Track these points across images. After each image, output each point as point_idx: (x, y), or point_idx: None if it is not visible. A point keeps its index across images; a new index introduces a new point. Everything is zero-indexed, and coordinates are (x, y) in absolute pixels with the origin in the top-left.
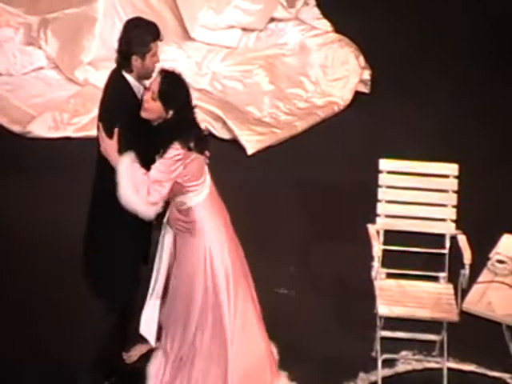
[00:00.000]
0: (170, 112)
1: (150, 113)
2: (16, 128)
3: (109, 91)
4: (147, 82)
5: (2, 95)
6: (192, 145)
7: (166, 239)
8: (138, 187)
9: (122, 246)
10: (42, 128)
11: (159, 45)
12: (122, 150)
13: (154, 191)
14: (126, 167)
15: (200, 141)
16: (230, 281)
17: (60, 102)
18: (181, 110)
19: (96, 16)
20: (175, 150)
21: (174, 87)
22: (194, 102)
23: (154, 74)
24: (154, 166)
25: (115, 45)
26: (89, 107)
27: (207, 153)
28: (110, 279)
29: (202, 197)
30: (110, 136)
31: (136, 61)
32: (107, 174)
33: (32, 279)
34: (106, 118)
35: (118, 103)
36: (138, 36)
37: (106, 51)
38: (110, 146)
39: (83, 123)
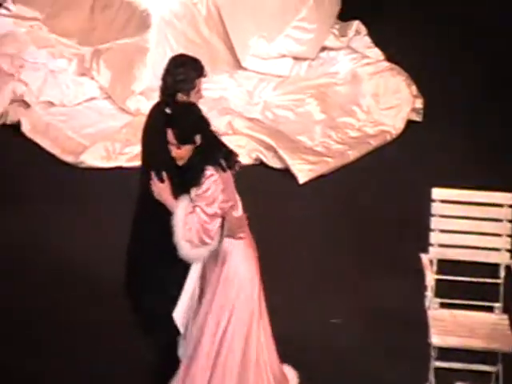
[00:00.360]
0: (197, 138)
1: (184, 159)
2: (69, 158)
3: (154, 133)
4: None
5: (56, 125)
6: (223, 163)
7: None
8: (191, 238)
9: (167, 276)
10: (94, 158)
11: (203, 80)
12: (174, 191)
13: (208, 232)
14: (182, 215)
15: (228, 156)
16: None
17: (112, 131)
18: (204, 133)
19: (148, 46)
20: (210, 179)
21: (185, 123)
22: (243, 129)
23: None
24: (198, 209)
25: None
26: (140, 137)
27: (236, 167)
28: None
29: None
30: (161, 180)
31: (181, 98)
32: (152, 208)
33: (82, 305)
34: (154, 161)
35: (165, 145)
36: (184, 74)
37: (158, 81)
38: (163, 190)
39: (135, 153)
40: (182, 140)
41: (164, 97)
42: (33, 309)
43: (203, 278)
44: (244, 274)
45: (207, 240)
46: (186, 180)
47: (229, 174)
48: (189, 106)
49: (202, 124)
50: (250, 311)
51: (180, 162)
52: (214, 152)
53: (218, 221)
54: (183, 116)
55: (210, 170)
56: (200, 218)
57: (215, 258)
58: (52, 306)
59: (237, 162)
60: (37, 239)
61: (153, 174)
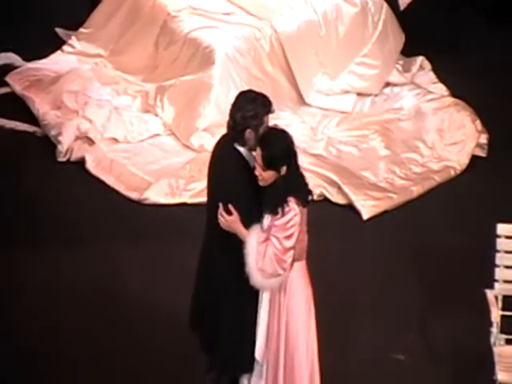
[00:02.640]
0: (283, 168)
1: (267, 181)
2: (133, 195)
3: (223, 166)
4: None
5: (120, 162)
6: (304, 198)
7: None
8: (264, 267)
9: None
10: (158, 194)
11: (271, 116)
12: (245, 222)
13: (282, 263)
14: (255, 244)
15: (308, 192)
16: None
17: (176, 168)
18: (291, 165)
19: (212, 83)
20: (292, 211)
21: (275, 150)
22: (307, 165)
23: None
24: (275, 239)
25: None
26: (204, 173)
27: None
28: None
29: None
30: (229, 212)
31: (250, 134)
32: (219, 241)
33: (146, 341)
34: (224, 194)
35: (235, 178)
36: (253, 110)
37: (222, 117)
38: (233, 223)
39: (199, 189)
40: (267, 165)
41: (232, 132)
42: (95, 345)
43: None
44: (304, 299)
45: (280, 271)
46: (263, 205)
47: (304, 211)
48: (282, 133)
49: (291, 155)
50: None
51: (262, 183)
52: (299, 185)
53: (292, 253)
54: (274, 142)
55: (292, 202)
56: (276, 248)
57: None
58: (113, 341)
59: (313, 200)
60: (101, 276)
61: (220, 206)
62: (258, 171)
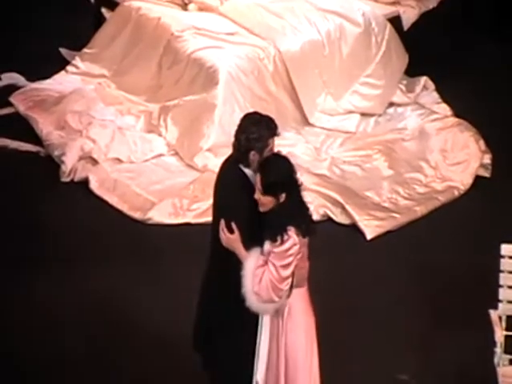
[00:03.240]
0: (283, 196)
1: (266, 207)
2: (137, 215)
3: (227, 185)
4: None
5: (123, 182)
6: (304, 228)
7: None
8: (259, 291)
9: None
10: (162, 215)
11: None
12: (245, 242)
13: (278, 291)
14: (253, 267)
15: (309, 222)
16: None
17: (180, 188)
18: (291, 192)
19: (215, 103)
20: (291, 240)
21: (275, 176)
22: (311, 185)
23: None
24: (272, 266)
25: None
26: (208, 193)
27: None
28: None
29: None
30: (231, 230)
31: (254, 155)
32: (223, 262)
33: (149, 363)
34: (227, 213)
35: (238, 198)
36: (257, 132)
37: (226, 137)
38: (233, 242)
39: (203, 209)
40: (266, 190)
41: (237, 153)
42: (97, 365)
43: None
44: (304, 326)
45: (275, 298)
46: (262, 231)
47: (305, 241)
48: (284, 160)
49: (291, 183)
50: (313, 364)
51: (261, 208)
52: (300, 215)
53: (290, 281)
54: (274, 168)
55: (292, 232)
56: (272, 275)
57: (277, 309)
58: (117, 362)
59: (315, 230)
60: (104, 296)
61: (222, 224)
62: (258, 195)
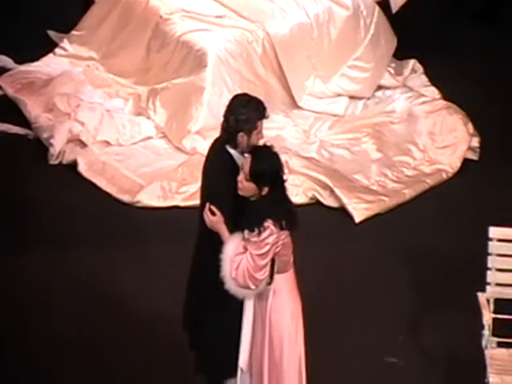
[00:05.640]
0: (265, 189)
1: (245, 191)
2: (125, 197)
3: (213, 166)
4: None
5: (112, 165)
6: (284, 223)
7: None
8: (236, 277)
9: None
10: (150, 197)
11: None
12: (229, 225)
13: (254, 280)
14: (232, 251)
15: (291, 217)
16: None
17: (168, 171)
18: (274, 188)
19: (204, 85)
20: (268, 231)
21: (265, 167)
22: (299, 168)
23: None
24: (249, 255)
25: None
26: (197, 176)
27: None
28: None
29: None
30: (213, 213)
31: (242, 137)
32: (208, 246)
33: (136, 344)
34: (212, 194)
35: (223, 179)
36: (246, 114)
37: (214, 120)
38: (216, 223)
39: (191, 192)
40: (255, 178)
41: (225, 135)
42: (84, 347)
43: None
44: (289, 309)
45: (251, 286)
46: (243, 220)
47: (286, 232)
48: (275, 156)
49: (276, 179)
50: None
51: (240, 192)
52: (279, 210)
53: (267, 271)
54: (266, 159)
55: (268, 223)
56: (249, 263)
57: (261, 293)
58: (104, 344)
59: (296, 224)
60: (92, 279)
61: (207, 205)
62: (241, 177)
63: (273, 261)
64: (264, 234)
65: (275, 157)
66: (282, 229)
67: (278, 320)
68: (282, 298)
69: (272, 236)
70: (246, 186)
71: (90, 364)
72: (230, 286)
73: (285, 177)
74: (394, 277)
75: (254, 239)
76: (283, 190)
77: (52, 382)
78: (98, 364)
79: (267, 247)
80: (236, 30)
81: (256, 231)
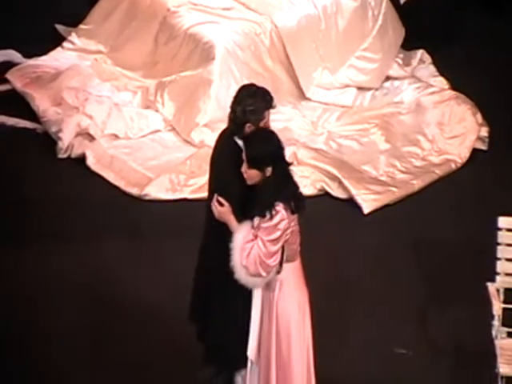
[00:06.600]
0: (268, 170)
1: (251, 179)
2: (133, 190)
3: (221, 157)
4: None
5: (120, 158)
6: (293, 204)
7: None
8: (247, 265)
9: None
10: (158, 190)
11: (272, 111)
12: (237, 215)
13: (265, 266)
14: (241, 240)
15: (298, 199)
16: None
17: (177, 163)
18: (277, 167)
19: (212, 78)
20: (280, 215)
21: (260, 150)
22: (308, 160)
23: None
24: (260, 241)
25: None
26: (205, 169)
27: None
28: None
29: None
30: (221, 204)
31: (249, 128)
32: (218, 235)
33: (146, 336)
34: (219, 185)
35: (230, 170)
36: (253, 104)
37: (222, 113)
38: (224, 214)
39: (200, 185)
40: (250, 163)
41: (232, 125)
42: (95, 341)
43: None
44: (296, 299)
45: (263, 273)
46: (252, 206)
47: (295, 217)
48: (269, 134)
49: (276, 158)
50: (305, 338)
51: (248, 181)
52: (287, 190)
53: (278, 258)
54: (259, 142)
55: (279, 207)
56: (261, 250)
57: (268, 283)
58: (115, 337)
59: (304, 207)
60: (101, 271)
61: (215, 196)
62: (244, 168)
63: (282, 248)
64: (276, 219)
65: (269, 136)
66: (292, 212)
67: (285, 310)
68: (289, 288)
69: (283, 221)
70: (250, 174)
71: (90, 361)
72: (241, 275)
73: (286, 154)
74: (402, 267)
75: (266, 225)
76: (286, 167)
77: (52, 380)
78: (99, 361)
79: (279, 232)
80: (244, 22)
81: (268, 216)
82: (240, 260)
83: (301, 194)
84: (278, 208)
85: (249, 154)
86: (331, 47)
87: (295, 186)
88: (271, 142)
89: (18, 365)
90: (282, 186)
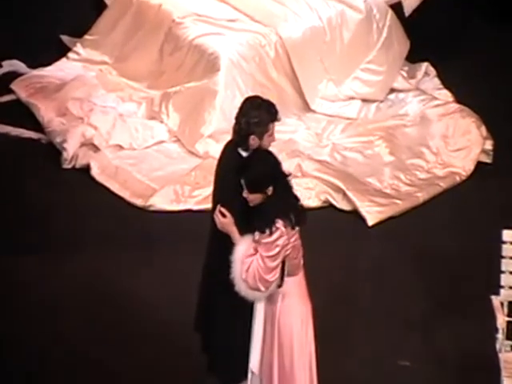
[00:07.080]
0: (269, 189)
1: (255, 202)
2: (138, 201)
3: (225, 169)
4: None
5: (125, 169)
6: (293, 219)
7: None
8: (247, 279)
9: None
10: (163, 201)
11: (276, 124)
12: (240, 227)
13: (264, 282)
14: (242, 254)
15: (299, 212)
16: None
17: (181, 175)
18: (278, 184)
19: (217, 89)
20: (279, 232)
21: (256, 174)
22: (312, 172)
23: None
24: (259, 256)
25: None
26: (210, 180)
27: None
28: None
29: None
30: (223, 215)
31: (253, 140)
32: (220, 250)
33: (149, 345)
34: (223, 196)
35: (234, 182)
36: (258, 117)
37: (227, 124)
38: (227, 225)
39: (204, 196)
40: (251, 190)
41: (237, 137)
42: (98, 350)
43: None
44: (299, 312)
45: (262, 288)
46: (254, 221)
47: (295, 232)
48: (264, 155)
49: (275, 176)
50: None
51: (252, 204)
52: (289, 207)
53: (277, 274)
54: (254, 167)
55: (279, 224)
56: (259, 265)
57: (270, 296)
58: (118, 347)
59: (305, 220)
60: (105, 283)
61: (218, 207)
62: (245, 194)
63: (283, 263)
64: (274, 236)
65: (265, 157)
66: (292, 227)
67: (288, 323)
68: (292, 302)
69: (282, 238)
70: (252, 199)
71: (94, 366)
72: (241, 287)
73: (285, 171)
74: (407, 280)
75: (265, 240)
76: (287, 182)
77: (52, 380)
78: (102, 367)
79: (277, 249)
80: (249, 33)
81: (267, 232)
82: (240, 273)
83: (301, 206)
84: (277, 225)
85: (247, 182)
86: (336, 59)
87: (296, 199)
88: (267, 163)
89: (18, 365)
90: (282, 202)
